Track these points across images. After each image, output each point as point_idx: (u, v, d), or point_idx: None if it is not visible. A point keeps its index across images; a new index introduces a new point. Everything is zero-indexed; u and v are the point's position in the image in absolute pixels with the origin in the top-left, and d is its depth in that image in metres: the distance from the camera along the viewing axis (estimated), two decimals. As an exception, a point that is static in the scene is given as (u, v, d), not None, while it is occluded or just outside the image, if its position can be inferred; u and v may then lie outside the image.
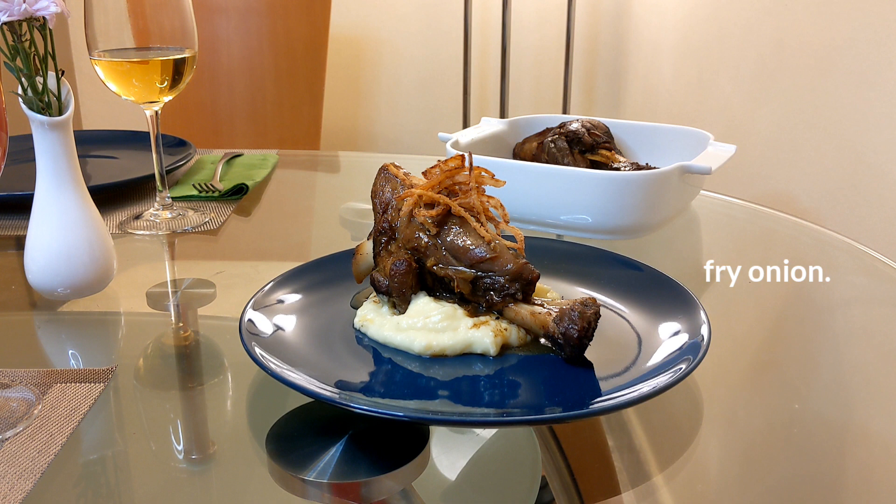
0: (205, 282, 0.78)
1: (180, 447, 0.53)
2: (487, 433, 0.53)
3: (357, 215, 1.00)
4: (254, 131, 1.84)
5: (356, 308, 0.63)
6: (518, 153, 0.99)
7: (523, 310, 0.57)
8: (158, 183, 0.93)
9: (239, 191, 1.03)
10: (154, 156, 0.91)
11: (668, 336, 0.57)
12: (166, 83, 0.87)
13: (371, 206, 0.64)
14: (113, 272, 0.71)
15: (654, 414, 0.56)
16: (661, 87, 1.94)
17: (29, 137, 0.66)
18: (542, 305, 0.57)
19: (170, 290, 0.78)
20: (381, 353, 0.57)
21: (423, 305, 0.58)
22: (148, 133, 0.90)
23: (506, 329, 0.57)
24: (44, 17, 0.64)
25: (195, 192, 1.02)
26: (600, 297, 0.64)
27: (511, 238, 0.60)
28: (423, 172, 0.62)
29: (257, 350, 0.54)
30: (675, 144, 0.95)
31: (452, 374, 0.54)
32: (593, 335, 0.54)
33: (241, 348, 0.54)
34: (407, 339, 0.57)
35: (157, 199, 0.94)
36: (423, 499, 0.47)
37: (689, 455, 0.51)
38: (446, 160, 0.60)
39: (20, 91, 0.66)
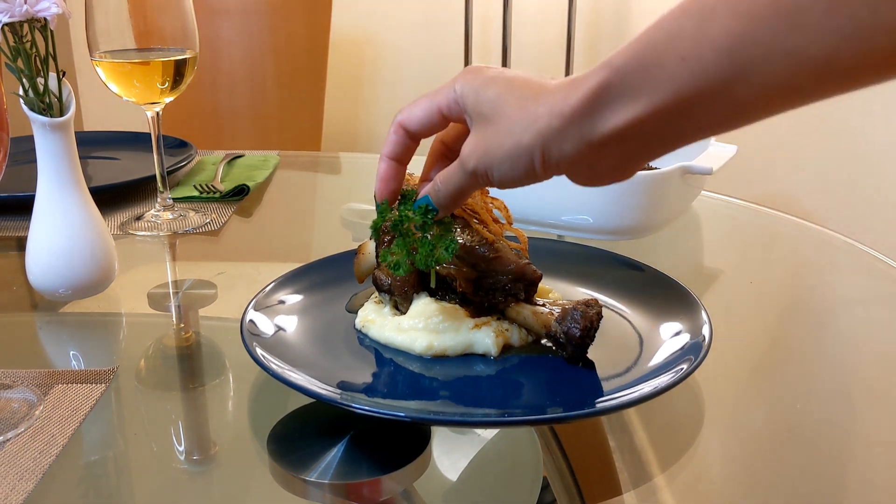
0: (206, 283, 0.78)
1: (182, 448, 0.53)
2: (489, 433, 0.53)
3: (358, 216, 1.00)
4: (255, 132, 1.84)
5: (352, 312, 0.63)
6: (519, 154, 0.98)
7: (525, 310, 0.57)
8: (159, 184, 0.93)
9: (240, 192, 1.03)
10: (155, 157, 0.91)
11: (670, 336, 0.57)
12: (167, 84, 0.87)
13: (373, 206, 0.63)
14: (114, 273, 0.71)
15: (656, 414, 0.56)
16: (661, 88, 1.93)
17: (30, 138, 0.66)
18: (544, 306, 0.57)
19: (171, 290, 0.78)
20: (382, 354, 0.57)
21: (424, 306, 0.58)
22: (149, 134, 0.90)
23: (507, 330, 0.57)
24: (45, 18, 0.64)
25: (196, 193, 1.02)
26: (602, 298, 0.64)
27: (514, 239, 0.60)
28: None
29: (258, 351, 0.54)
30: (676, 145, 0.95)
31: (454, 374, 0.54)
32: (595, 335, 0.54)
33: (242, 349, 0.54)
34: (408, 339, 0.57)
35: (159, 200, 0.94)
36: (425, 499, 0.47)
37: (691, 455, 0.51)
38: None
39: (21, 92, 0.66)
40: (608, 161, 0.42)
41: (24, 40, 0.64)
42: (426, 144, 0.53)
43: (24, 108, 0.66)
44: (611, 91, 0.39)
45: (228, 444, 0.54)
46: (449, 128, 0.51)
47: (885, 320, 0.72)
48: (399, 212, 0.53)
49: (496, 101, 0.44)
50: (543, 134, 0.42)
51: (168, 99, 0.89)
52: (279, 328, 0.59)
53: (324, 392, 0.50)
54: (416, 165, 0.67)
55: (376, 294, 0.62)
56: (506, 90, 0.45)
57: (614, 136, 0.40)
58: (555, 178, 0.45)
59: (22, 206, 0.85)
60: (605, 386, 0.52)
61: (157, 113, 0.89)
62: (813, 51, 0.33)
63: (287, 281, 0.65)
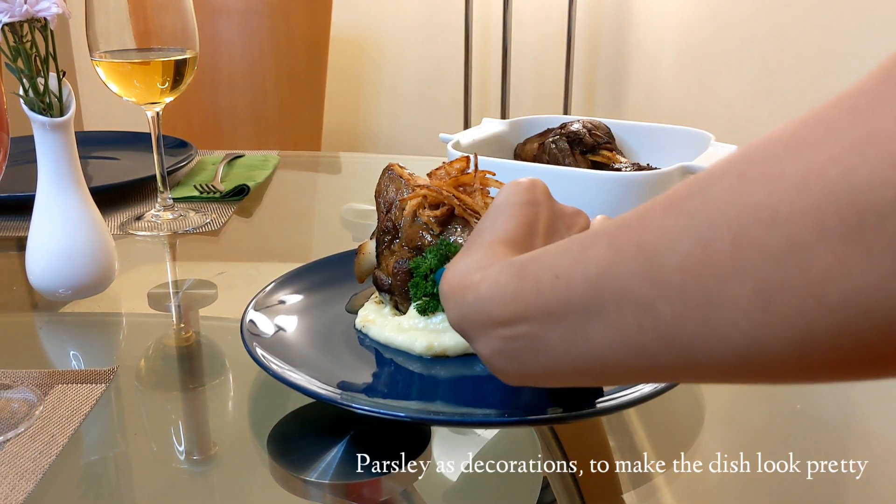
0: (206, 283, 0.78)
1: (182, 448, 0.53)
2: (489, 433, 0.53)
3: (358, 216, 1.00)
4: (255, 132, 1.84)
5: (351, 312, 0.63)
6: (519, 154, 0.99)
7: (525, 310, 0.57)
8: (160, 184, 0.93)
9: (240, 192, 1.03)
10: (155, 157, 0.91)
11: (670, 336, 0.57)
12: (167, 84, 0.87)
13: (373, 206, 0.64)
14: (114, 273, 0.71)
15: (656, 414, 0.56)
16: (662, 88, 1.94)
17: (30, 138, 0.66)
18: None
19: (171, 290, 0.78)
20: (382, 354, 0.57)
21: (424, 306, 0.58)
22: (149, 134, 0.90)
23: (507, 329, 0.57)
24: (45, 18, 0.64)
25: (196, 193, 1.02)
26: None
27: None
28: (427, 174, 0.62)
29: (259, 351, 0.54)
30: (676, 145, 0.95)
31: (454, 374, 0.54)
32: (595, 335, 0.54)
33: (242, 349, 0.54)
34: (408, 339, 0.57)
35: (159, 200, 0.94)
36: (425, 499, 0.47)
37: (691, 455, 0.51)
38: (451, 162, 0.60)
39: (21, 92, 0.66)
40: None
41: (24, 40, 0.64)
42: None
43: (24, 108, 0.66)
44: (481, 286, 0.37)
45: (228, 445, 0.54)
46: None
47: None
48: (426, 259, 0.56)
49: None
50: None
51: (168, 99, 0.89)
52: (279, 328, 0.59)
53: (324, 392, 0.50)
54: (416, 166, 0.67)
55: (376, 294, 0.62)
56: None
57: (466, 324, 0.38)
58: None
59: (22, 206, 0.85)
60: (606, 386, 0.52)
61: (157, 113, 0.89)
62: (659, 306, 0.29)
63: (287, 281, 0.65)
